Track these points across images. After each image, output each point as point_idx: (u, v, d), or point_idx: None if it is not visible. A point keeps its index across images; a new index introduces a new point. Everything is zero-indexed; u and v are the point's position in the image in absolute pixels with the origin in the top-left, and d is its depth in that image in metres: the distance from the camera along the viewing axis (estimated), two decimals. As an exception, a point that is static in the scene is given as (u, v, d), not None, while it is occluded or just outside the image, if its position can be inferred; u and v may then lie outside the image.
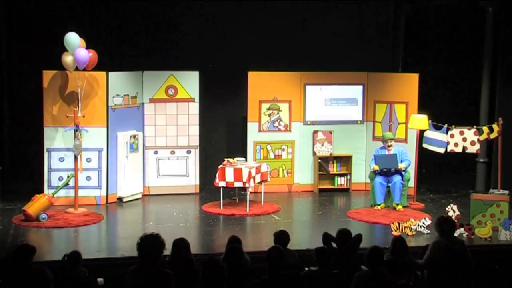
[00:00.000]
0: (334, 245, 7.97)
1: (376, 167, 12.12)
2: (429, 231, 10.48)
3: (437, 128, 12.73)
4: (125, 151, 12.51)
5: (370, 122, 13.76)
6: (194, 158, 13.30)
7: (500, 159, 12.36)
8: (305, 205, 12.85)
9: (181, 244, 7.48)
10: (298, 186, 13.71)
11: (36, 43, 13.05)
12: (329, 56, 14.16)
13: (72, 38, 11.47)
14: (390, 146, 12.21)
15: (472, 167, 13.84)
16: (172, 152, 13.23)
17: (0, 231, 10.63)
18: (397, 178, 12.03)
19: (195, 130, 13.29)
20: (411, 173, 12.45)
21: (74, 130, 11.70)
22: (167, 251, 7.63)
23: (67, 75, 12.05)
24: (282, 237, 7.95)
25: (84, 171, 12.01)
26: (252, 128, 13.51)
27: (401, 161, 12.18)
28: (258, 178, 12.15)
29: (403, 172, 12.14)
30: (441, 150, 12.72)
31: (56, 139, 12.12)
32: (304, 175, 13.71)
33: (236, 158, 12.45)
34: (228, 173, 11.95)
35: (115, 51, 13.30)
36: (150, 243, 6.33)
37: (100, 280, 7.71)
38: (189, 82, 13.19)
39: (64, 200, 11.99)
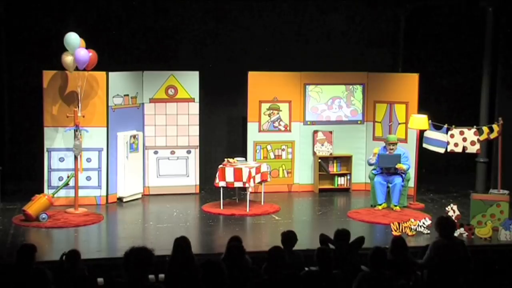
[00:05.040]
0: (331, 246, 7.97)
1: (375, 151, 12.09)
2: (429, 231, 10.48)
3: (437, 128, 12.73)
4: (125, 151, 12.51)
5: (370, 122, 13.76)
6: (194, 158, 13.30)
7: (500, 159, 12.36)
8: (305, 205, 12.85)
9: (182, 243, 7.48)
10: (298, 186, 13.71)
11: (36, 43, 13.04)
12: (329, 56, 14.16)
13: (72, 38, 11.47)
14: (392, 150, 12.19)
15: (471, 167, 13.84)
16: (172, 152, 13.23)
17: (0, 231, 10.63)
18: (397, 180, 12.03)
19: (195, 130, 13.29)
20: (411, 173, 12.46)
21: (74, 130, 11.70)
22: (167, 251, 7.66)
23: (67, 75, 12.05)
24: (290, 237, 7.92)
25: (84, 171, 12.01)
26: (252, 128, 13.51)
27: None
28: (258, 178, 12.15)
29: (403, 174, 12.14)
30: (441, 150, 12.73)
31: (56, 139, 12.12)
32: (304, 175, 13.71)
33: (236, 158, 12.45)
34: (228, 173, 11.95)
35: (115, 51, 13.30)
36: (137, 257, 5.96)
37: (100, 280, 7.71)
38: (189, 82, 13.19)
39: (64, 200, 11.99)
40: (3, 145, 13.41)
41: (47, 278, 6.84)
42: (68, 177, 11.78)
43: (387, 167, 12.12)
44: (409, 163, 12.24)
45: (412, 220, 10.67)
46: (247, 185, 11.92)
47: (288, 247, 7.78)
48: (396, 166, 12.07)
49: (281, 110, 13.60)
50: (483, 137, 12.54)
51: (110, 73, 12.32)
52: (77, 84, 11.85)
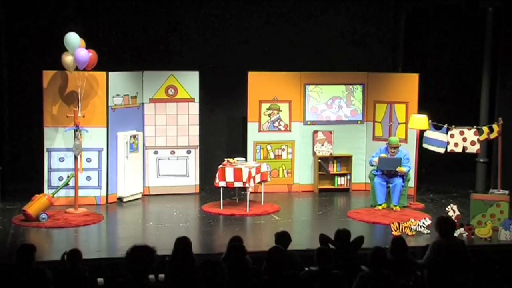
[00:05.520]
0: (331, 246, 7.97)
1: (376, 160, 12.09)
2: (429, 231, 10.48)
3: (437, 128, 12.74)
4: (125, 151, 12.51)
5: (370, 122, 13.76)
6: (194, 158, 13.30)
7: (500, 159, 12.37)
8: (305, 205, 12.84)
9: (183, 242, 7.48)
10: (298, 186, 13.71)
11: (36, 43, 13.04)
12: (329, 56, 14.16)
13: (72, 38, 11.47)
14: (394, 153, 12.18)
15: (471, 167, 13.84)
16: (172, 152, 13.23)
17: (0, 231, 10.63)
18: (398, 181, 12.03)
19: (195, 130, 13.29)
20: (411, 173, 12.46)
21: (74, 130, 11.70)
22: (167, 251, 7.66)
23: (67, 75, 12.05)
24: (283, 238, 7.93)
25: (84, 171, 12.01)
26: (252, 128, 13.51)
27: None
28: (258, 178, 12.15)
29: (403, 176, 12.14)
30: (441, 150, 12.73)
31: (56, 139, 12.12)
32: (304, 175, 13.71)
33: (236, 158, 12.45)
34: (228, 173, 11.95)
35: (115, 51, 13.29)
36: (140, 255, 5.93)
37: (100, 280, 7.71)
38: (189, 82, 13.19)
39: (64, 200, 11.99)
40: (3, 145, 13.41)
41: (47, 278, 6.84)
42: (68, 177, 11.78)
43: (387, 170, 12.12)
44: (409, 164, 12.23)
45: (412, 220, 10.66)
46: (247, 185, 11.92)
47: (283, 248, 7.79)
48: (397, 170, 12.06)
49: (281, 110, 13.60)
50: (483, 137, 12.54)
51: (110, 73, 12.32)
52: (77, 84, 11.85)
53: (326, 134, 13.64)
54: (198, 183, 13.35)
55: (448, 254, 7.83)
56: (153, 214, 12.13)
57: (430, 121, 12.67)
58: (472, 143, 12.54)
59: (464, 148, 12.61)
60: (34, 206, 11.07)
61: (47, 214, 11.12)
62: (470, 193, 11.81)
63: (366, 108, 13.78)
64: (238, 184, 11.99)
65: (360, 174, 13.66)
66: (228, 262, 6.87)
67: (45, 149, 12.14)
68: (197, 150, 13.33)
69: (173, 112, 13.19)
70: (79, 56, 11.45)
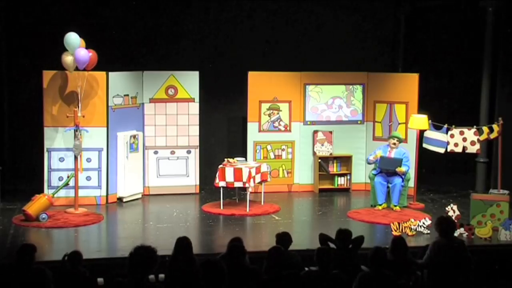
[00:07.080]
0: (331, 245, 7.97)
1: (378, 155, 12.06)
2: (429, 231, 10.48)
3: (437, 128, 12.74)
4: (125, 151, 12.51)
5: (370, 122, 13.76)
6: (194, 158, 13.30)
7: (500, 159, 12.36)
8: (305, 205, 12.84)
9: (183, 242, 7.48)
10: (298, 186, 13.71)
11: (36, 43, 13.04)
12: (329, 56, 14.16)
13: (72, 38, 11.47)
14: (394, 144, 12.19)
15: (470, 167, 13.84)
16: (172, 152, 13.23)
17: (0, 231, 10.63)
18: (397, 181, 12.03)
19: (195, 130, 13.29)
20: (411, 173, 12.46)
21: (74, 130, 11.70)
22: (167, 251, 7.67)
23: (67, 75, 12.05)
24: (284, 238, 7.93)
25: (84, 171, 12.01)
26: (252, 128, 13.51)
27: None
28: (258, 178, 12.15)
29: (402, 176, 12.14)
30: (441, 150, 12.73)
31: (56, 139, 12.12)
32: (304, 175, 13.71)
33: (236, 158, 12.46)
34: (228, 173, 11.95)
35: (115, 51, 13.29)
36: (143, 256, 5.94)
37: (100, 280, 7.71)
38: (189, 82, 13.19)
39: (64, 200, 11.99)
40: (3, 145, 13.42)
41: (47, 278, 6.84)
42: (68, 177, 11.78)
43: (387, 169, 12.13)
44: (409, 164, 12.23)
45: (412, 220, 10.67)
46: (247, 185, 11.92)
47: (284, 248, 7.78)
48: (396, 170, 12.06)
49: (281, 110, 13.60)
50: (483, 137, 12.54)
51: (110, 73, 12.32)
52: (77, 84, 11.85)
53: (326, 134, 13.64)
54: (198, 183, 13.35)
55: (448, 254, 7.83)
56: (153, 214, 12.13)
57: (430, 121, 12.67)
58: (472, 143, 12.54)
59: (464, 148, 12.62)
60: (34, 206, 11.07)
61: (47, 214, 11.12)
62: (470, 193, 11.81)
63: (366, 108, 13.78)
64: (238, 184, 11.99)
65: (360, 174, 13.67)
66: (227, 262, 6.86)
67: (45, 149, 12.14)
68: (197, 150, 13.34)
69: (173, 112, 13.19)
70: (79, 56, 11.45)
